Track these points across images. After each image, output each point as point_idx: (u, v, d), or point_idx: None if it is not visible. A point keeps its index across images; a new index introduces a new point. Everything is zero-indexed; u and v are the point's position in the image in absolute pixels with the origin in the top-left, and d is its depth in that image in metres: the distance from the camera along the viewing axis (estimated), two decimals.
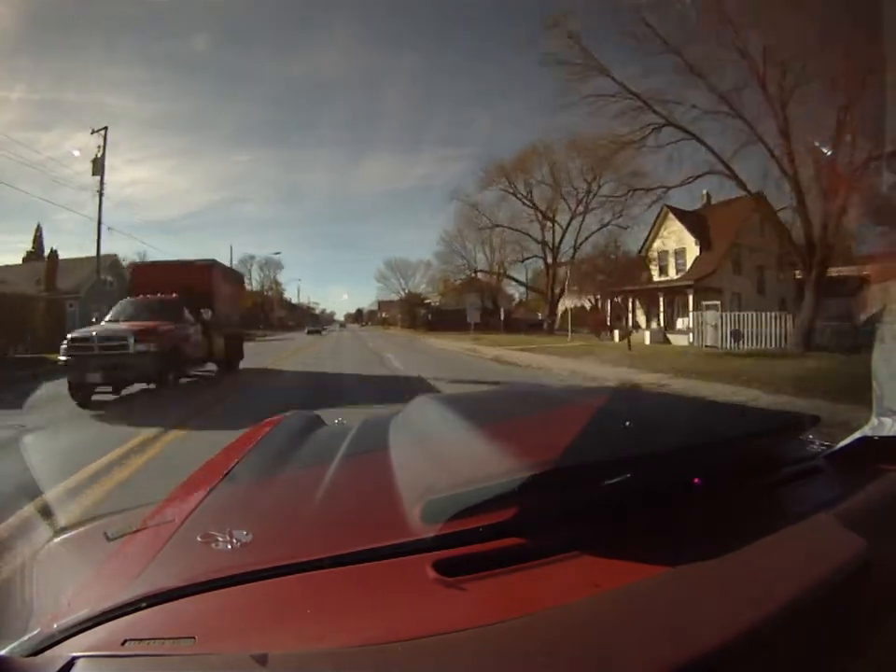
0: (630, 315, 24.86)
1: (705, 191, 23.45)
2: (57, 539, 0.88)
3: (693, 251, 23.04)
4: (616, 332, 23.35)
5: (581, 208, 35.07)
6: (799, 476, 0.91)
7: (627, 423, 0.87)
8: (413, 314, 49.63)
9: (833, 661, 0.58)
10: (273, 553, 0.67)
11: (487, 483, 0.66)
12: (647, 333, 21.43)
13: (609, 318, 26.21)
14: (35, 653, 0.57)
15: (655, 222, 24.80)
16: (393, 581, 0.61)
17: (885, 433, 0.98)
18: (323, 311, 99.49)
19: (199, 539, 0.70)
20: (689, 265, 22.88)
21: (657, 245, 25.00)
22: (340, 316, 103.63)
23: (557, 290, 36.22)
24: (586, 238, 34.73)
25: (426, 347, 22.10)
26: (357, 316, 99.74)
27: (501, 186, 37.79)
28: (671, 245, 24.17)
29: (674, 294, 22.16)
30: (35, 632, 0.60)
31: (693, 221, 23.59)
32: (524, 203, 38.05)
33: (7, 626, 0.65)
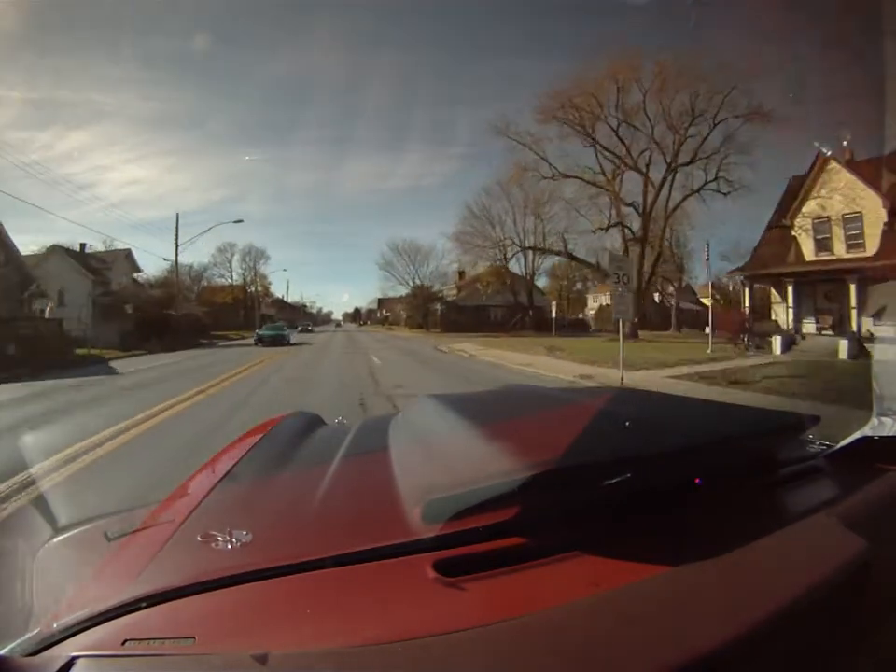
0: (791, 311, 16.23)
1: (845, 142, 15.78)
2: (57, 539, 0.88)
3: (875, 216, 14.10)
4: (777, 340, 14.62)
5: (679, 159, 23.35)
6: (799, 476, 0.91)
7: (627, 423, 0.87)
8: (425, 310, 40.63)
9: (834, 660, 0.58)
10: (273, 553, 0.67)
11: (487, 483, 0.66)
12: (842, 343, 12.84)
13: (747, 318, 17.06)
14: (35, 653, 0.57)
15: (809, 176, 16.47)
16: (393, 581, 0.61)
17: (885, 433, 0.98)
18: (320, 309, 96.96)
19: (199, 538, 0.70)
20: (868, 236, 14.13)
21: (811, 208, 16.05)
22: (338, 316, 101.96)
23: (646, 274, 24.75)
24: (684, 199, 24.00)
25: (491, 371, 11.47)
26: (356, 316, 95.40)
27: (568, 120, 24.73)
28: (836, 208, 15.24)
29: (859, 280, 13.83)
30: (35, 632, 0.60)
31: (872, 173, 14.40)
32: (601, 148, 24.94)
33: (7, 626, 0.65)
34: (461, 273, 40.83)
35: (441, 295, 43.24)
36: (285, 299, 70.30)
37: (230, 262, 53.46)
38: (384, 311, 67.58)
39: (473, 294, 38.50)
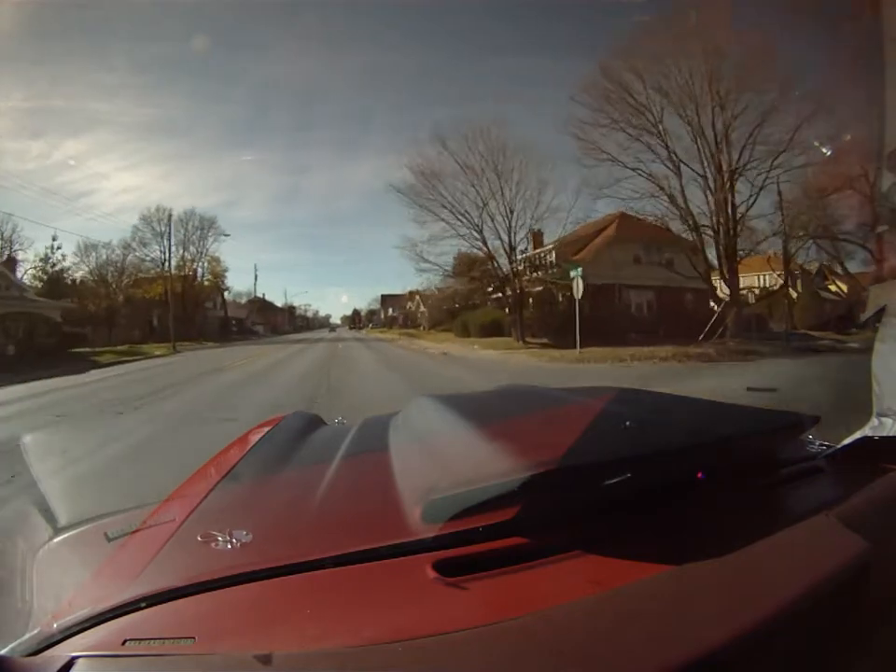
0: None
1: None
2: (57, 539, 0.88)
3: None
4: None
5: None
6: (799, 476, 0.91)
7: (627, 423, 0.87)
8: (519, 298, 18.38)
9: (835, 660, 0.58)
10: (273, 553, 0.67)
11: (487, 483, 0.66)
12: None
13: None
14: (35, 653, 0.57)
15: None
16: (393, 580, 0.61)
17: (885, 433, 0.98)
18: (316, 312, 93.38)
19: (199, 538, 0.70)
20: None
21: None
22: (337, 319, 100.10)
23: None
24: None
25: None
26: (354, 319, 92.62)
27: None
28: None
29: None
30: (35, 632, 0.60)
31: None
32: None
33: (7, 626, 0.65)
34: (536, 235, 19.49)
35: (545, 262, 19.40)
36: (267, 297, 53.66)
37: (161, 238, 32.01)
38: (389, 310, 50.58)
39: (595, 266, 17.40)
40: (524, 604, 0.55)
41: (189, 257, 34.74)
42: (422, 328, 32.80)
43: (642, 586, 0.57)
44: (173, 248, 32.99)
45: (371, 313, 72.69)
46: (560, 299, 17.55)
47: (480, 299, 22.43)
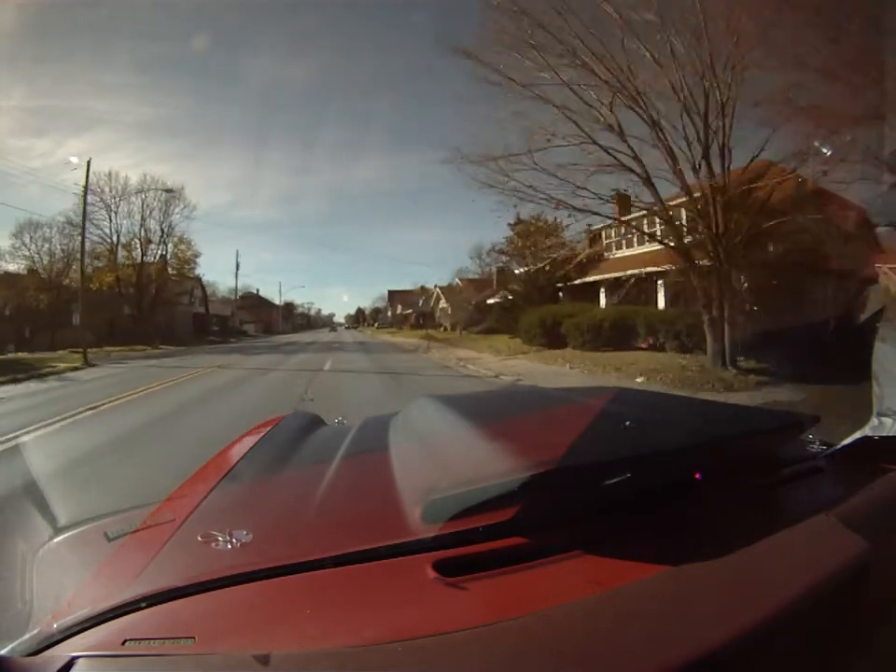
0: None
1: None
2: (57, 539, 0.88)
3: None
4: None
5: None
6: (799, 476, 0.91)
7: (627, 423, 0.87)
8: (722, 259, 6.66)
9: (834, 661, 0.58)
10: (273, 553, 0.67)
11: (487, 483, 0.66)
12: None
13: None
14: (35, 653, 0.57)
15: None
16: (393, 580, 0.61)
17: (885, 433, 0.98)
18: (318, 311, 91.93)
19: (199, 538, 0.70)
20: None
21: None
22: (341, 318, 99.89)
23: None
24: None
25: None
26: (357, 318, 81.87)
27: None
28: None
29: None
30: (35, 632, 0.60)
31: None
32: None
33: (7, 626, 0.65)
34: (622, 197, 8.69)
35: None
36: (260, 293, 51.97)
37: (112, 212, 25.94)
38: (397, 307, 44.40)
39: (779, 237, 7.83)
40: (524, 604, 0.55)
41: (147, 236, 27.71)
42: (443, 328, 26.28)
43: (642, 586, 0.57)
44: (123, 223, 26.13)
45: (377, 311, 68.46)
46: (773, 283, 8.95)
47: (546, 284, 13.42)
